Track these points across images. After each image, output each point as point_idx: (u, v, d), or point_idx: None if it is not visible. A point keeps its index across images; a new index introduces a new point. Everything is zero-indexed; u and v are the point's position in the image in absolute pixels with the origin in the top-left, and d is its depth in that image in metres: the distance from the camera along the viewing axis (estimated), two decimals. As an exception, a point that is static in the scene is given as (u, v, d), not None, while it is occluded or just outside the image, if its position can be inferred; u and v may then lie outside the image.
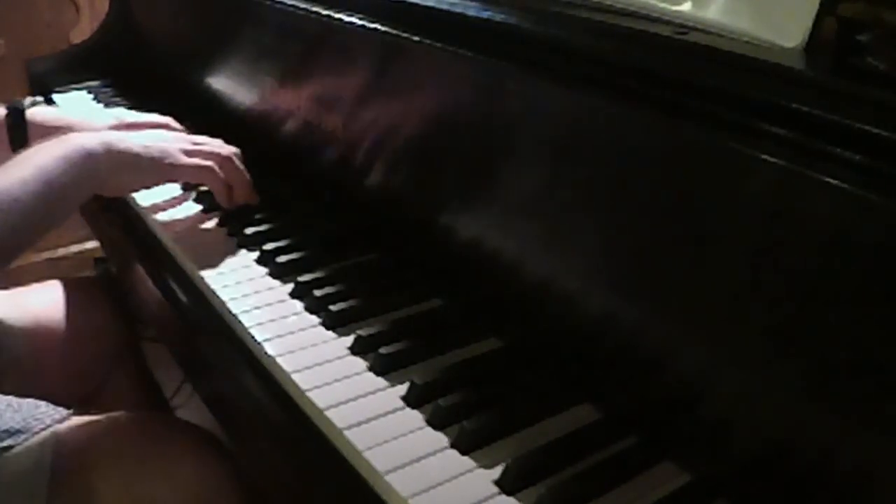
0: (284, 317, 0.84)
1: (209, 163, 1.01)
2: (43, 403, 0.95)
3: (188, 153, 1.01)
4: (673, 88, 0.65)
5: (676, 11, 0.74)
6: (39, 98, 1.21)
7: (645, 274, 0.67)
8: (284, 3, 1.11)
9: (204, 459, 0.92)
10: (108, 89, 1.64)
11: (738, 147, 0.59)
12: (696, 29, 0.71)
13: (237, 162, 1.05)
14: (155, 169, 0.99)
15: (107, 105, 1.53)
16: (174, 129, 1.21)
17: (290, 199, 1.11)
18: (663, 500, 0.62)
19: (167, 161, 0.98)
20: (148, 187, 1.05)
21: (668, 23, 0.74)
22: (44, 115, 1.17)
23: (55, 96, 1.59)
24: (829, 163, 0.54)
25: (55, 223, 0.91)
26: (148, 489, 0.88)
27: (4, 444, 0.86)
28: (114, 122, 1.19)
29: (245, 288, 0.89)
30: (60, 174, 0.88)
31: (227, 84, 1.34)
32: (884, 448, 0.52)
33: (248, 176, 1.06)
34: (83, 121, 1.18)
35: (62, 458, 0.87)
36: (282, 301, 0.87)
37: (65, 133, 1.15)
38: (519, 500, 0.61)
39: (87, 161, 0.91)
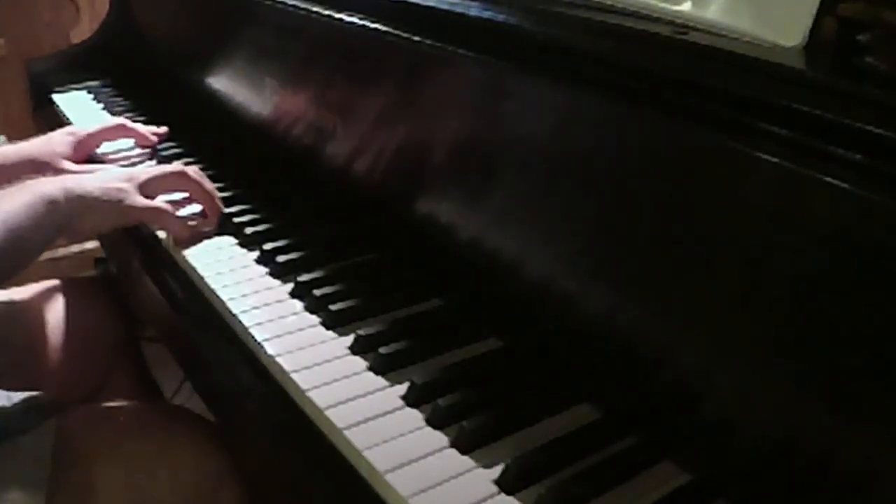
0: (284, 316, 0.84)
1: (164, 206, 0.99)
2: (43, 396, 0.95)
3: (144, 189, 0.99)
4: (673, 88, 0.65)
5: (676, 11, 0.74)
6: (3, 137, 1.22)
7: (644, 273, 0.67)
8: (284, 3, 1.11)
9: (204, 449, 0.92)
10: (108, 89, 1.64)
11: (738, 147, 0.59)
12: (696, 29, 0.71)
13: (192, 175, 1.03)
14: (114, 212, 0.97)
15: (106, 105, 1.53)
16: (129, 130, 1.29)
17: (290, 199, 1.11)
18: (663, 500, 0.62)
19: (126, 203, 0.96)
20: (109, 230, 1.04)
21: (668, 23, 0.73)
22: (4, 155, 1.18)
23: (55, 96, 1.59)
24: (829, 163, 0.54)
25: (16, 270, 0.89)
26: (148, 479, 0.88)
27: (4, 436, 0.86)
28: (70, 138, 1.22)
29: (245, 288, 0.89)
30: (22, 221, 0.87)
31: (226, 84, 1.34)
32: (884, 448, 0.52)
33: (206, 185, 1.04)
34: (42, 150, 1.19)
35: (63, 449, 0.87)
36: (282, 301, 0.87)
37: (27, 169, 1.13)
38: (518, 499, 0.61)
39: (48, 208, 0.90)
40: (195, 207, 1.04)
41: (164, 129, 1.33)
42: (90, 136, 1.25)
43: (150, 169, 1.03)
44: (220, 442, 0.94)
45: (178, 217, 1.00)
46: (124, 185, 0.97)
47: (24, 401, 0.93)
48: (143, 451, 0.90)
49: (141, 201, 0.97)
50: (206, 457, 0.92)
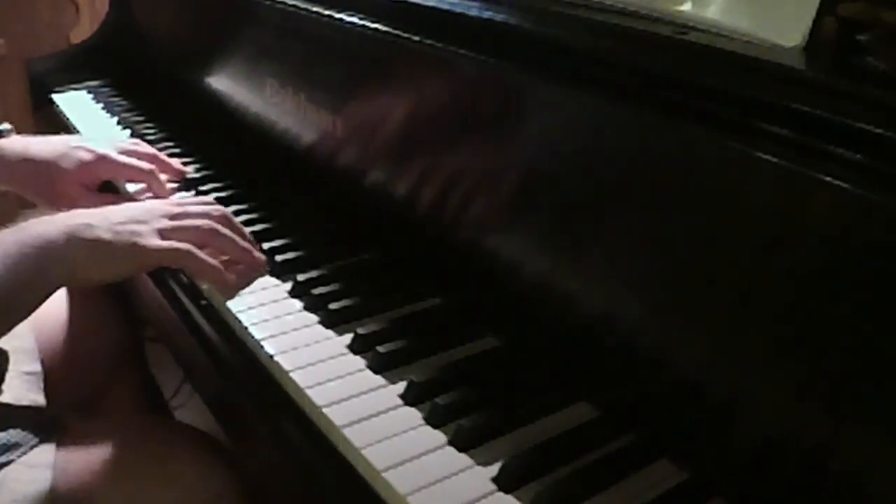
0: (283, 315, 0.84)
1: (185, 246, 0.85)
2: (43, 411, 0.92)
3: (164, 233, 0.86)
4: (673, 88, 0.65)
5: (676, 11, 0.74)
6: (10, 127, 1.14)
7: (643, 273, 0.67)
8: (284, 3, 1.11)
9: (205, 462, 0.91)
10: (107, 89, 1.64)
11: (738, 147, 0.59)
12: (696, 29, 0.71)
13: (224, 231, 0.89)
14: (126, 257, 0.84)
15: (106, 105, 1.53)
16: (153, 181, 1.11)
17: (288, 199, 1.11)
18: (660, 498, 0.62)
19: (140, 245, 0.83)
20: (122, 277, 0.90)
21: (668, 23, 0.74)
22: (11, 149, 1.10)
23: (55, 96, 1.59)
24: (829, 163, 0.54)
25: (9, 322, 0.82)
26: (150, 497, 0.87)
27: (5, 458, 0.84)
28: (86, 156, 1.09)
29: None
30: (11, 269, 0.78)
31: (226, 84, 1.34)
32: (882, 448, 0.52)
33: (242, 242, 0.91)
34: (53, 159, 1.09)
35: (62, 470, 0.85)
36: (281, 300, 0.87)
37: (26, 171, 1.08)
38: (516, 497, 0.61)
39: (46, 255, 0.80)
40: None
41: (186, 169, 1.18)
42: (108, 164, 1.10)
43: (174, 210, 0.89)
44: (222, 455, 0.93)
45: (204, 257, 0.86)
46: (139, 228, 0.85)
47: (25, 418, 0.92)
48: (144, 467, 0.89)
49: (156, 243, 0.84)
50: (208, 471, 0.90)
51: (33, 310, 0.82)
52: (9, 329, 0.83)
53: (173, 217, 0.88)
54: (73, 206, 0.99)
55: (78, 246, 0.82)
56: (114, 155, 1.11)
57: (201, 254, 0.86)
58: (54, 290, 0.83)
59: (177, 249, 0.85)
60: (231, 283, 0.87)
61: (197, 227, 0.88)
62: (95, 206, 0.98)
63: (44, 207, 1.11)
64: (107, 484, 0.86)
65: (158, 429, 0.97)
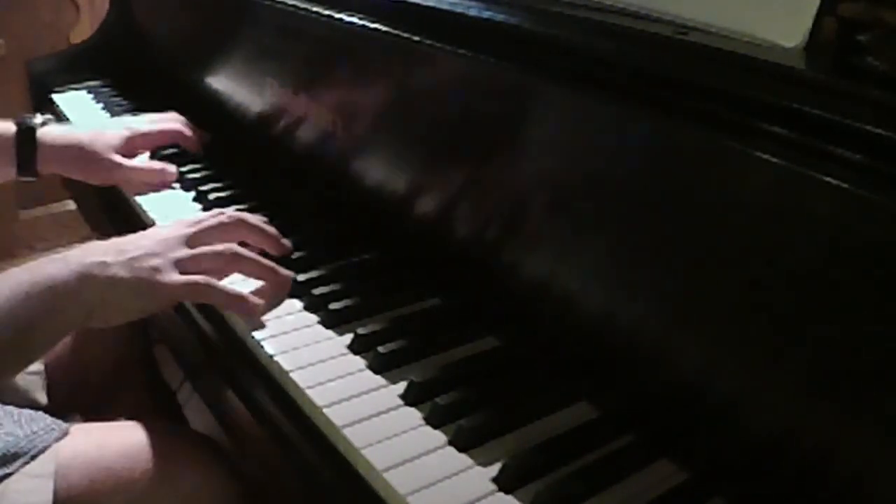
0: (283, 316, 0.84)
1: (203, 279, 0.82)
2: (43, 419, 0.91)
3: (182, 263, 0.83)
4: (673, 88, 0.65)
5: (676, 11, 0.74)
6: (50, 116, 1.20)
7: (643, 273, 0.67)
8: (284, 3, 1.11)
9: (206, 464, 0.91)
10: (107, 89, 1.63)
11: (738, 147, 0.59)
12: (696, 29, 0.71)
13: (244, 252, 0.86)
14: (146, 296, 0.80)
15: (106, 105, 1.53)
16: (185, 139, 1.25)
17: (288, 199, 1.11)
18: (660, 498, 0.62)
19: (160, 283, 0.80)
20: (142, 316, 0.84)
21: (668, 23, 0.74)
22: (53, 136, 1.16)
23: (55, 96, 1.59)
24: (829, 163, 0.55)
25: (20, 363, 0.81)
26: (150, 499, 0.87)
27: (4, 471, 0.83)
28: (126, 133, 1.18)
29: (243, 287, 0.88)
30: (21, 311, 0.76)
31: (226, 84, 1.34)
32: (882, 447, 0.52)
33: (264, 261, 0.87)
34: (93, 138, 1.15)
35: (63, 476, 0.84)
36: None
37: (73, 154, 1.14)
38: (516, 497, 0.61)
39: (57, 296, 0.77)
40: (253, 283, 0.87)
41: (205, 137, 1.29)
42: (144, 135, 1.21)
43: (189, 231, 0.86)
44: (224, 460, 0.93)
45: (225, 289, 0.83)
46: (156, 262, 0.81)
47: (26, 421, 0.91)
48: (146, 472, 0.88)
49: (176, 279, 0.81)
50: (209, 474, 0.91)
51: (47, 350, 0.81)
52: (21, 369, 0.83)
53: (190, 241, 0.85)
54: (117, 179, 1.14)
55: (93, 286, 0.78)
56: (144, 127, 1.23)
57: (221, 285, 0.83)
58: (69, 332, 0.81)
59: (196, 284, 0.82)
60: (257, 310, 0.83)
61: (217, 253, 0.85)
62: (133, 172, 1.15)
63: (89, 182, 1.19)
64: (107, 488, 0.85)
65: (159, 432, 0.97)
